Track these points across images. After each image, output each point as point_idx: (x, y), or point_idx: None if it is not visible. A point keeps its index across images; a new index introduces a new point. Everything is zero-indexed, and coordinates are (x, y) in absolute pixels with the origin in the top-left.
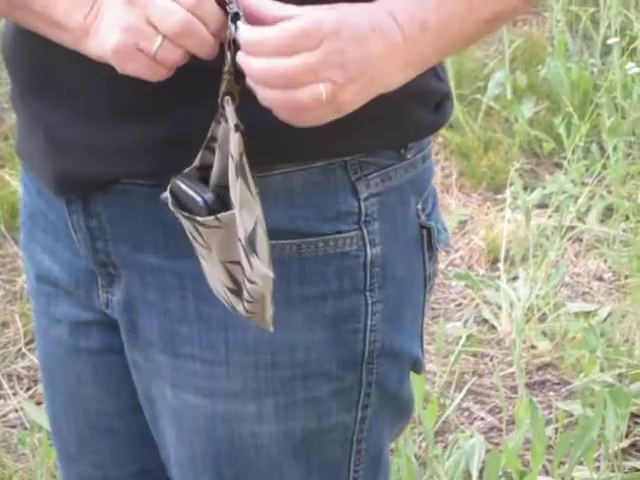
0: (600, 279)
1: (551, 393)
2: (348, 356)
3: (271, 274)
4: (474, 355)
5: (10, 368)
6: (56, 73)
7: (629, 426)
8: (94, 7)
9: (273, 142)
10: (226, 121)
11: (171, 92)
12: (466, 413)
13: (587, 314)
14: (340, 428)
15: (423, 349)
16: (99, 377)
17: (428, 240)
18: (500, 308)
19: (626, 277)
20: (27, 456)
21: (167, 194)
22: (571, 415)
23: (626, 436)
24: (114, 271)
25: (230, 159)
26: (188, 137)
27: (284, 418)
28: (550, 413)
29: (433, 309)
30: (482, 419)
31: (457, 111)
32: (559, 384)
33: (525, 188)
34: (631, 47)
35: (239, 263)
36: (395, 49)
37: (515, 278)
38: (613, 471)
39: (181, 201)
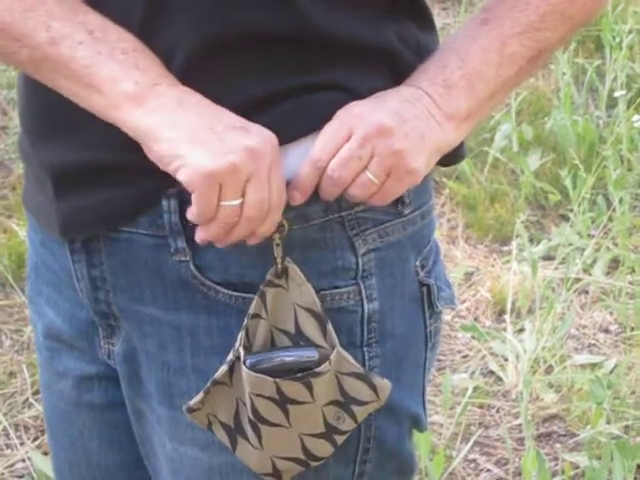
0: (606, 331)
1: (557, 445)
2: None
3: (390, 383)
4: (480, 407)
5: (17, 418)
6: (63, 118)
7: (636, 478)
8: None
9: None
10: (275, 286)
11: None
12: (472, 465)
13: (593, 366)
14: None
15: (425, 407)
16: (102, 431)
17: (428, 298)
18: (506, 360)
19: (632, 329)
20: None
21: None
22: (578, 467)
23: None
24: (114, 322)
25: (306, 313)
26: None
27: None
28: (556, 465)
29: (439, 360)
30: (489, 471)
31: (463, 163)
32: (565, 436)
33: (531, 240)
34: (638, 100)
35: (337, 401)
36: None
37: (521, 330)
38: None
39: (273, 374)
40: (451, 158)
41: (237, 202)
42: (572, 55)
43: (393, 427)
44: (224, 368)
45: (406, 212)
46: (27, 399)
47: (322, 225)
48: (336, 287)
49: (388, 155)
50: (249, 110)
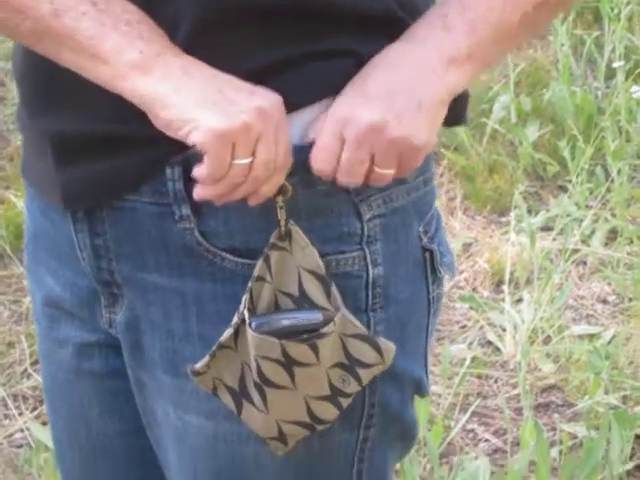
0: (604, 302)
1: (556, 415)
2: None
3: (394, 345)
4: (479, 377)
5: (16, 388)
6: (62, 88)
7: (633, 448)
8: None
9: None
10: (279, 249)
11: None
12: (471, 435)
13: (591, 336)
14: (342, 447)
15: (428, 373)
16: (102, 399)
17: (431, 263)
18: (504, 330)
19: (630, 300)
20: (33, 476)
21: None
22: (575, 437)
23: (630, 458)
24: (117, 290)
25: (310, 276)
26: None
27: None
28: (555, 435)
29: (438, 331)
30: (487, 441)
31: (462, 134)
32: (564, 406)
33: (529, 211)
34: (636, 71)
35: (341, 364)
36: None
37: (519, 300)
38: None
39: (278, 336)
40: (452, 117)
41: (248, 160)
42: (571, 26)
43: (397, 393)
44: (229, 331)
45: (410, 178)
46: (26, 369)
47: (327, 191)
48: (341, 252)
49: (388, 146)
50: (254, 78)
